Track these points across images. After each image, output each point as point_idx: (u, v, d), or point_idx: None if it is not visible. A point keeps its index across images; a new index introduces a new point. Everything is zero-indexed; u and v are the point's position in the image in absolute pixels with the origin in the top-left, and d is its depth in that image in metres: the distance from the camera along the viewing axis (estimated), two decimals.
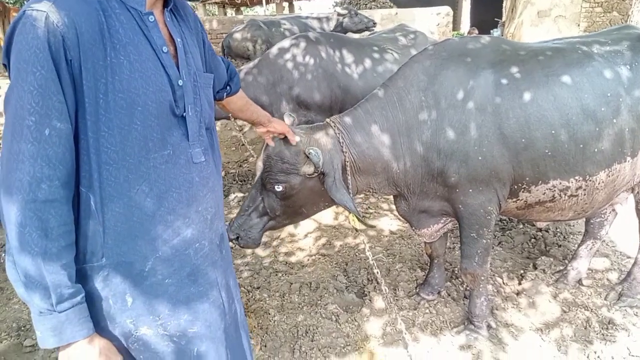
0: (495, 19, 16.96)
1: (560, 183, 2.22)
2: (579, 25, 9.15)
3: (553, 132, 2.11)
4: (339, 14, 7.05)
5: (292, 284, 2.96)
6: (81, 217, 1.07)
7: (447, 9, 9.23)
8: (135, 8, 1.05)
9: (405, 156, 2.21)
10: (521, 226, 3.67)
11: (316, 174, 2.08)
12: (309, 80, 3.98)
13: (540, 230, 3.58)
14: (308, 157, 2.03)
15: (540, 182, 2.22)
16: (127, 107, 1.03)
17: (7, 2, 10.53)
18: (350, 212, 2.19)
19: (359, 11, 7.52)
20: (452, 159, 2.15)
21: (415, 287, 2.84)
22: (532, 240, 3.47)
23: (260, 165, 2.20)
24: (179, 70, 1.12)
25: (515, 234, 3.54)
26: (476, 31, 11.32)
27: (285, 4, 22.92)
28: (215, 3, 20.21)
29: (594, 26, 9.15)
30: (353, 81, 4.03)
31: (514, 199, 2.33)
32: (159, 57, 1.08)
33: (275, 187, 2.10)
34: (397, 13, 9.45)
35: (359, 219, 2.23)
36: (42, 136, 0.96)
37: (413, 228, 2.59)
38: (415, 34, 4.42)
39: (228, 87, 1.54)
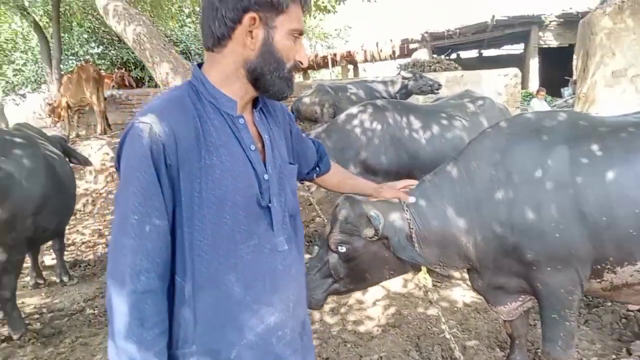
0: (566, 78, 16.58)
1: None
2: None
3: (637, 211, 1.97)
4: (403, 77, 7.16)
5: (362, 357, 2.86)
6: (176, 305, 1.15)
7: (515, 71, 9.15)
8: (227, 113, 1.16)
9: (476, 230, 2.15)
10: (609, 303, 3.38)
11: (377, 238, 2.06)
12: (376, 146, 4.03)
13: (630, 309, 3.27)
14: (370, 220, 2.03)
15: (626, 263, 2.06)
16: (218, 203, 1.11)
17: (101, 69, 11.81)
18: (418, 271, 2.15)
19: (423, 74, 7.63)
20: (527, 236, 2.06)
21: None
22: (623, 320, 3.17)
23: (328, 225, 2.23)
24: (265, 165, 1.20)
25: (603, 312, 3.26)
26: (544, 91, 11.07)
27: (350, 67, 23.83)
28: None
29: None
30: (421, 147, 4.03)
31: (598, 280, 2.17)
32: (247, 155, 1.16)
33: (339, 247, 2.10)
34: (462, 75, 9.50)
35: (429, 272, 2.17)
36: (143, 232, 1.06)
37: (489, 304, 2.47)
38: (483, 100, 4.39)
39: (317, 168, 1.63)
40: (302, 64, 1.18)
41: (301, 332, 1.31)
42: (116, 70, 13.64)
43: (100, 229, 6.30)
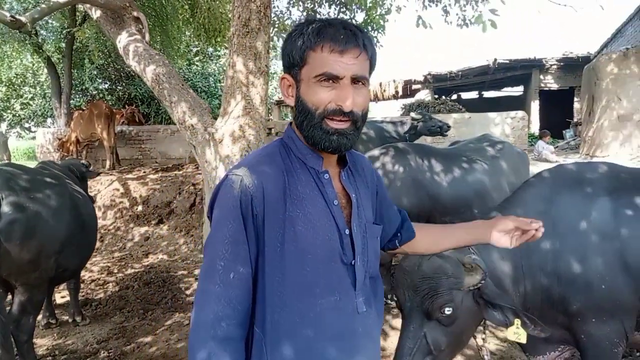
0: (567, 120, 16.87)
1: None
2: None
3: None
4: (413, 119, 7.27)
5: None
6: (253, 357, 1.13)
7: (522, 114, 9.33)
8: (313, 168, 1.19)
9: (526, 279, 2.13)
10: (638, 354, 3.31)
11: (480, 284, 1.87)
12: (398, 188, 4.05)
13: None
14: (470, 265, 1.85)
15: None
16: (299, 255, 1.11)
17: (113, 106, 12.00)
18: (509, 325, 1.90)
19: (432, 115, 7.76)
20: (573, 287, 2.06)
21: None
22: None
23: (404, 290, 1.89)
24: (350, 222, 1.20)
25: None
26: (549, 135, 11.24)
27: None
28: (289, 105, 21.65)
29: None
30: (442, 190, 4.05)
31: None
32: (330, 209, 1.17)
33: (446, 310, 1.83)
34: (470, 117, 9.65)
35: (524, 325, 1.88)
36: (228, 279, 1.08)
37: (527, 354, 2.42)
38: (502, 145, 4.46)
39: (399, 235, 1.48)
40: (341, 107, 1.09)
41: None
42: (126, 106, 13.82)
43: (109, 267, 6.22)
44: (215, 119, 6.10)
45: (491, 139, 4.63)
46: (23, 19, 4.52)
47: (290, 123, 1.25)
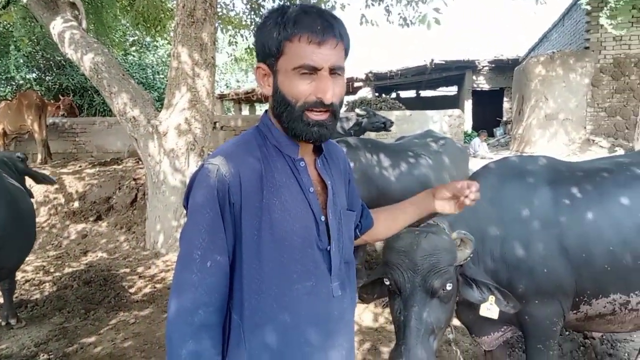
0: (497, 118, 17.89)
1: (621, 297, 2.26)
2: (585, 127, 9.66)
3: (611, 248, 2.19)
4: (358, 115, 7.42)
5: None
6: (231, 342, 1.15)
7: (458, 112, 9.78)
8: (289, 155, 1.20)
9: (479, 265, 2.26)
10: (567, 333, 3.62)
11: (469, 258, 1.91)
12: None
13: (586, 337, 3.52)
14: (460, 239, 1.88)
15: (600, 295, 2.27)
16: (276, 242, 1.13)
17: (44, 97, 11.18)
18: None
19: (376, 112, 7.96)
20: (517, 271, 2.21)
21: None
22: (582, 348, 3.41)
23: (403, 272, 1.83)
24: (326, 209, 1.22)
25: (562, 341, 3.48)
26: (486, 134, 11.87)
27: None
28: (232, 99, 21.35)
29: (600, 129, 9.67)
30: (390, 183, 4.20)
31: (575, 311, 2.36)
32: (306, 196, 1.19)
33: (447, 286, 1.81)
34: (410, 114, 9.99)
35: (497, 302, 1.95)
36: (205, 267, 1.09)
37: (472, 335, 2.58)
38: (445, 140, 4.68)
39: (359, 224, 1.52)
40: (321, 99, 1.10)
41: None
42: (61, 97, 12.99)
43: (44, 266, 5.86)
44: (158, 111, 5.92)
45: (434, 134, 4.85)
46: None
47: (266, 111, 1.26)
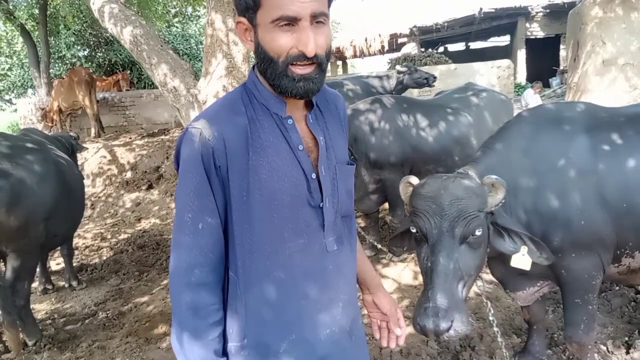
0: (553, 68, 16.81)
1: None
2: None
3: None
4: (398, 72, 7.20)
5: (381, 349, 2.91)
6: (229, 299, 1.19)
7: (507, 62, 9.27)
8: (276, 113, 1.17)
9: (512, 217, 2.17)
10: (617, 288, 3.46)
11: (501, 203, 1.84)
12: (384, 144, 4.07)
13: (638, 292, 3.36)
14: (492, 184, 1.83)
15: None
16: (265, 202, 1.14)
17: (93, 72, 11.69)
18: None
19: (418, 67, 7.69)
20: (553, 224, 2.11)
21: (514, 355, 2.72)
22: (632, 303, 3.25)
23: (429, 217, 1.80)
24: (317, 166, 1.20)
25: (612, 297, 3.34)
26: (541, 85, 11.14)
27: (339, 63, 23.86)
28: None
29: None
30: (424, 141, 4.10)
31: (617, 264, 2.24)
32: (295, 154, 1.17)
33: (476, 231, 1.77)
34: (455, 68, 9.58)
35: (530, 252, 1.91)
36: (197, 229, 1.12)
37: (507, 290, 2.52)
38: (485, 92, 4.47)
39: None
40: (304, 52, 1.04)
41: (350, 330, 1.32)
42: (119, 71, 13.57)
43: (102, 233, 6.27)
44: (198, 80, 6.00)
45: (474, 87, 4.63)
46: None
47: (253, 67, 1.22)
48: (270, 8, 1.03)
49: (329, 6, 1.10)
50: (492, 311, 2.38)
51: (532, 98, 10.26)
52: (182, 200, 1.14)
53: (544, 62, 17.27)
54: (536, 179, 2.13)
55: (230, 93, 1.24)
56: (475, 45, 22.59)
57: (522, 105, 10.26)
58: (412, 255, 4.09)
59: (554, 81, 15.78)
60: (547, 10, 16.60)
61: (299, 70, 1.07)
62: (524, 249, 1.93)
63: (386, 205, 4.58)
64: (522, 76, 16.60)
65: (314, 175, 1.19)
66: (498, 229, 1.93)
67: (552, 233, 2.11)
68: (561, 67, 16.36)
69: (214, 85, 5.81)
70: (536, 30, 17.35)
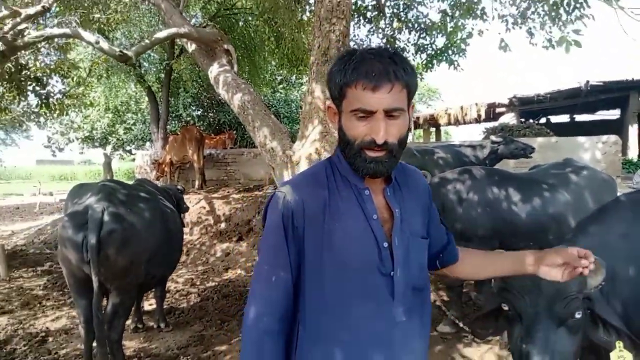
0: None
1: None
2: None
3: None
4: (493, 142, 7.01)
5: None
6: (298, 351, 1.28)
7: (614, 138, 8.67)
8: (355, 185, 1.30)
9: (608, 305, 2.01)
10: None
11: (600, 286, 1.66)
12: (472, 216, 3.98)
13: None
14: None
15: None
16: (337, 265, 1.24)
17: (204, 131, 12.99)
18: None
19: (514, 138, 7.44)
20: None
21: None
22: None
23: (525, 295, 1.71)
24: (391, 236, 1.27)
25: None
26: None
27: (433, 130, 23.86)
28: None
29: None
30: (520, 219, 3.94)
31: None
32: (369, 222, 1.26)
33: (576, 314, 1.67)
34: (557, 141, 9.14)
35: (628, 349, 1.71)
36: (270, 281, 1.27)
37: None
38: (586, 170, 4.23)
39: (440, 256, 1.51)
40: (375, 140, 1.18)
41: None
42: (226, 131, 15.05)
43: (192, 279, 6.64)
44: (294, 141, 6.40)
45: (574, 163, 4.40)
46: (129, 53, 5.12)
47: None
48: (352, 100, 1.20)
49: (410, 99, 1.23)
50: None
51: None
52: (262, 254, 1.31)
53: None
54: (638, 268, 1.97)
55: (317, 165, 1.39)
56: (581, 117, 21.43)
57: (633, 183, 9.44)
58: (497, 337, 3.83)
59: None
60: None
61: (371, 153, 1.21)
62: (619, 344, 1.74)
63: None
64: (633, 152, 15.35)
65: (385, 244, 1.26)
66: (593, 317, 1.77)
67: None
68: None
69: (308, 148, 6.13)
70: None
